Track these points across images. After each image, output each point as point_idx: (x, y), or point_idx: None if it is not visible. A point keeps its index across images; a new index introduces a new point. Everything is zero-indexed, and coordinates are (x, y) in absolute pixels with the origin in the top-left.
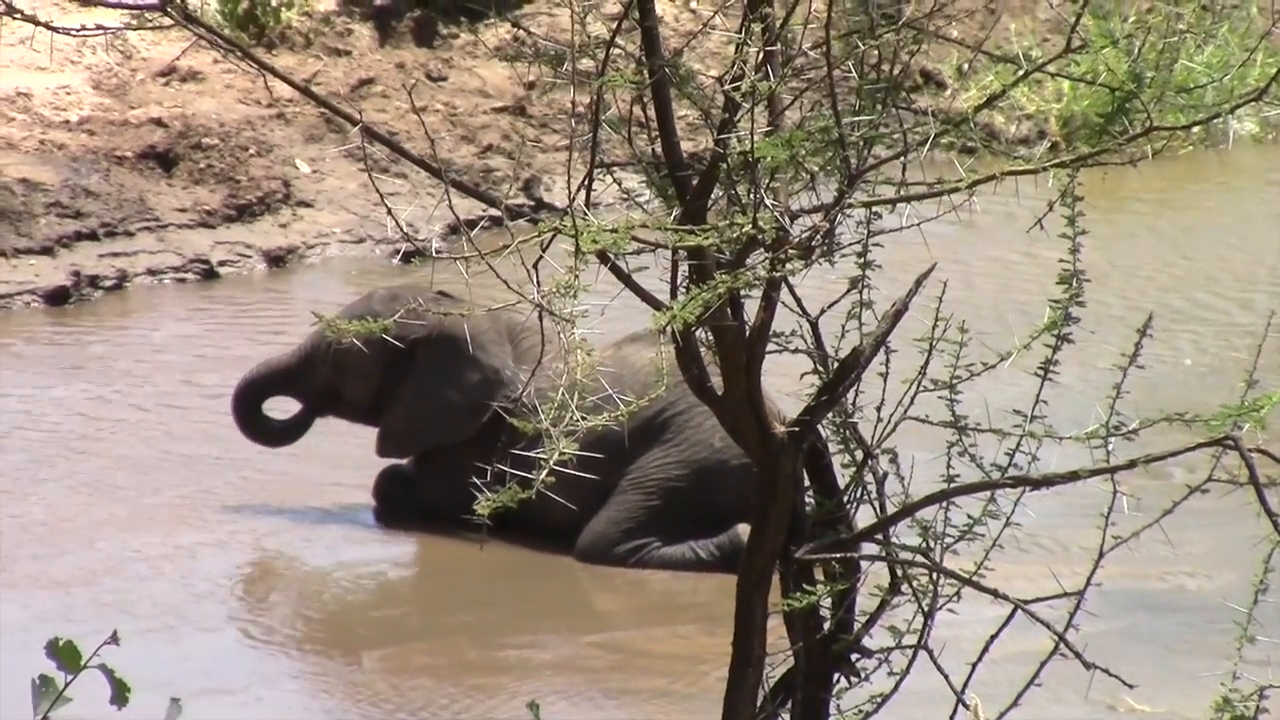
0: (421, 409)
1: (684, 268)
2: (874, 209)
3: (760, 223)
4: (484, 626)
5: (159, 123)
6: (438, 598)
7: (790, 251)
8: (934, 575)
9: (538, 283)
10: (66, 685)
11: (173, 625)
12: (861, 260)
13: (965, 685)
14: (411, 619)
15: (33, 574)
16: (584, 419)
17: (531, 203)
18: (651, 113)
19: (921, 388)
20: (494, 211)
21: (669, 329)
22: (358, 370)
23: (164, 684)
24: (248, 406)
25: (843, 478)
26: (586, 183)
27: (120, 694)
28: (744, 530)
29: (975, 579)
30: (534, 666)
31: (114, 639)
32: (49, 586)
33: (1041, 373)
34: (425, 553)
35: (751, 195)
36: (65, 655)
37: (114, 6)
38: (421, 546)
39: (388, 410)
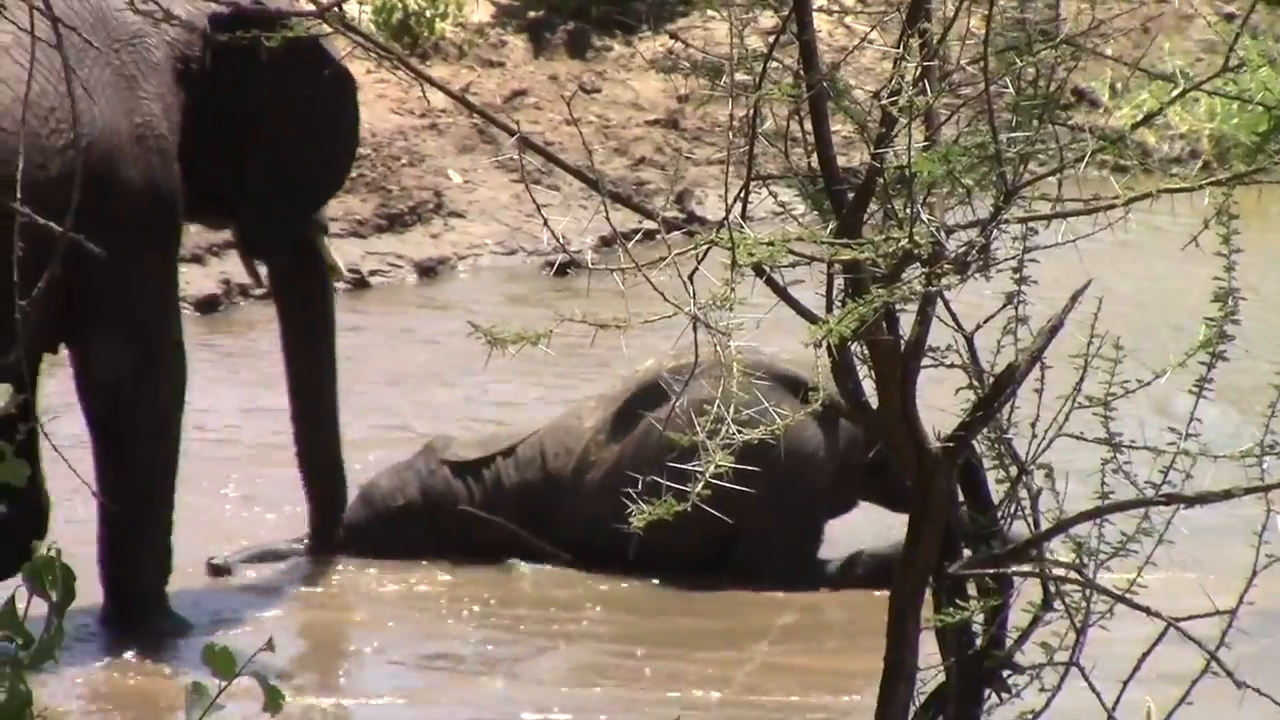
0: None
1: (839, 282)
2: (1029, 225)
3: (916, 237)
4: (628, 635)
5: None
6: (576, 608)
7: (946, 266)
8: (1087, 592)
9: (694, 294)
10: (219, 693)
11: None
12: (1017, 275)
13: (1116, 703)
14: (555, 630)
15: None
16: (740, 432)
17: (684, 215)
18: (808, 126)
19: (1076, 404)
20: (647, 224)
21: (824, 343)
22: None
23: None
24: None
25: (996, 493)
26: (743, 195)
27: (274, 701)
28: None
29: (1128, 596)
30: (677, 680)
31: (269, 646)
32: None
33: (1196, 390)
34: (573, 566)
35: (908, 210)
36: (219, 662)
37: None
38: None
39: None
